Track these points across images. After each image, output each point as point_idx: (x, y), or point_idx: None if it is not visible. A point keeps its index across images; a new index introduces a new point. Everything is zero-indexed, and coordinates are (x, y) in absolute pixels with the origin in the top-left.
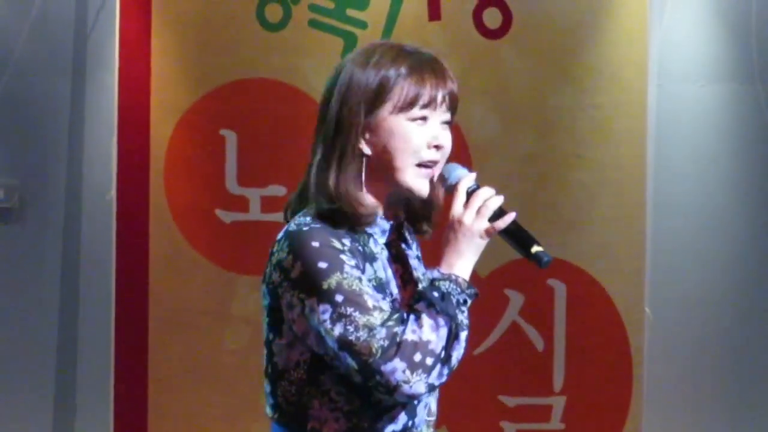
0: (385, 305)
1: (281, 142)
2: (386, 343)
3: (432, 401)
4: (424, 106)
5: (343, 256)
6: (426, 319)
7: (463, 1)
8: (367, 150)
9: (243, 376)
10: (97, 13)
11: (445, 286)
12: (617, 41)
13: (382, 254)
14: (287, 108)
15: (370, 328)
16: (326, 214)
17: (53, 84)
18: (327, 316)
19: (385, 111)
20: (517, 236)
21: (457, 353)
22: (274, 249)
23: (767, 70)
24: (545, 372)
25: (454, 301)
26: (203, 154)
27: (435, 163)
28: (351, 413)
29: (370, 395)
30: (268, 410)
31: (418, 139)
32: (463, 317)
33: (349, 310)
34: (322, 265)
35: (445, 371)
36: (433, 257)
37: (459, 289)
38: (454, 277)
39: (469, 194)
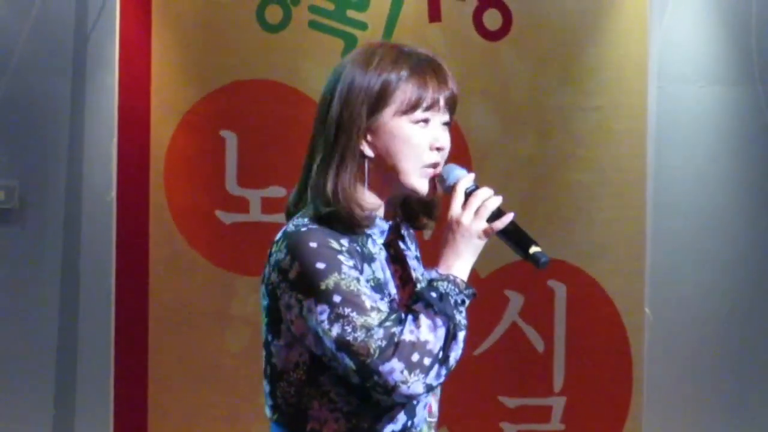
0: (383, 306)
1: (281, 143)
2: (384, 343)
3: (434, 402)
4: (427, 109)
5: (341, 257)
6: (424, 320)
7: (463, 3)
8: (369, 152)
9: (243, 376)
10: (97, 13)
11: (443, 286)
12: (617, 42)
13: (381, 254)
14: (287, 109)
15: (368, 329)
16: (324, 216)
17: (53, 85)
18: (325, 316)
19: (388, 114)
20: (516, 237)
21: (455, 353)
22: (273, 250)
23: (767, 71)
24: (545, 372)
25: (452, 301)
26: (203, 155)
27: (437, 164)
28: (350, 414)
29: (370, 396)
30: (268, 411)
31: (421, 141)
32: (461, 317)
33: (347, 310)
34: (320, 265)
35: (443, 371)
36: (432, 257)
37: (457, 290)
38: (452, 277)
39: (468, 195)
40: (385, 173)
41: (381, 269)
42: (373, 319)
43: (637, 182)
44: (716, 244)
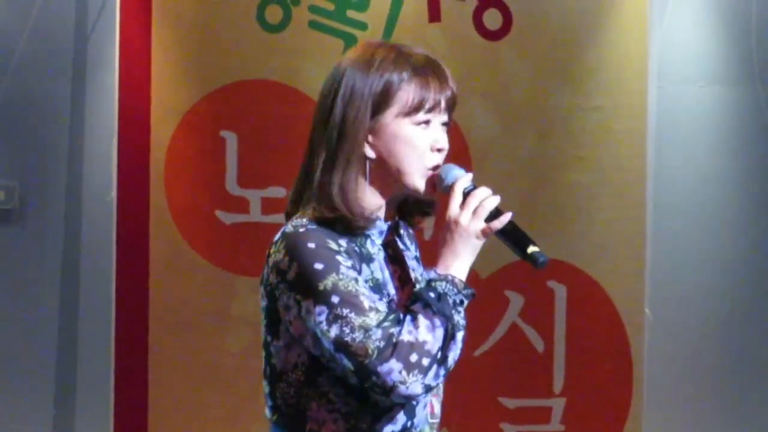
0: (382, 306)
1: (281, 143)
2: (382, 344)
3: (436, 403)
4: (429, 111)
5: (339, 257)
6: (422, 320)
7: (463, 3)
8: (370, 154)
9: (243, 377)
10: (97, 14)
11: (441, 286)
12: (617, 42)
13: (379, 255)
14: (287, 109)
15: (366, 329)
16: (326, 217)
17: (53, 85)
18: (323, 317)
19: (390, 115)
20: (514, 236)
21: (454, 354)
22: (271, 251)
23: (767, 71)
24: (545, 373)
25: (451, 301)
26: (203, 156)
27: (438, 166)
28: (349, 414)
29: (368, 396)
30: (268, 412)
31: (423, 143)
32: (459, 318)
33: (345, 311)
34: (318, 266)
35: (442, 372)
36: (431, 257)
37: (455, 290)
38: (450, 277)
39: (466, 195)
40: (386, 174)
41: (380, 269)
42: (372, 319)
43: (637, 182)
44: (716, 245)
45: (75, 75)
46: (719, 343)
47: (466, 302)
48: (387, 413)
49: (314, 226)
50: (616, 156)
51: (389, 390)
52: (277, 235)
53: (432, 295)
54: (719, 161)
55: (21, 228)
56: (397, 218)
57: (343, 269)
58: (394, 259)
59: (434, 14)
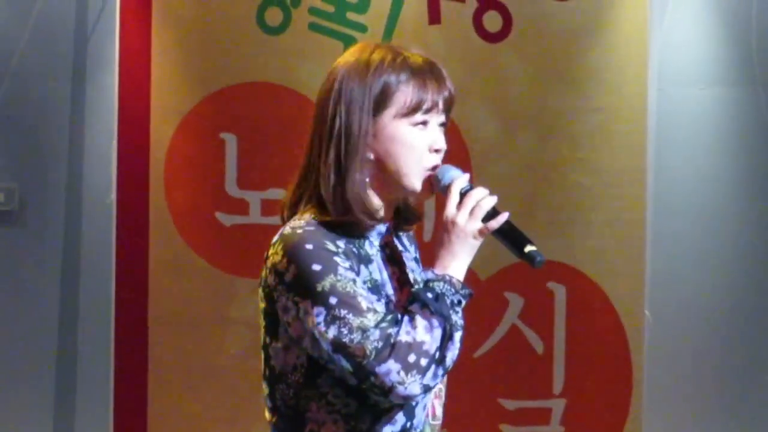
0: (380, 307)
1: (281, 145)
2: (380, 344)
3: (438, 405)
4: (427, 111)
5: (337, 258)
6: (420, 320)
7: (463, 5)
8: (370, 155)
9: (243, 378)
10: (97, 15)
11: (439, 286)
12: (617, 44)
13: (378, 256)
14: (287, 111)
15: (364, 330)
16: (324, 218)
17: (53, 87)
18: (321, 318)
19: (388, 117)
20: (511, 236)
21: (452, 354)
22: (269, 252)
23: (767, 72)
24: (545, 375)
25: (449, 301)
26: (203, 157)
27: (436, 167)
28: (349, 416)
29: (368, 397)
30: (267, 413)
31: (420, 144)
32: (457, 318)
33: (343, 312)
34: (316, 267)
35: (440, 372)
36: (430, 258)
37: (453, 290)
38: (448, 277)
39: (463, 195)
40: (385, 175)
41: (378, 270)
42: (370, 320)
43: (637, 184)
44: (716, 246)
45: (75, 76)
46: (719, 344)
47: (464, 302)
48: (386, 414)
49: (312, 228)
50: (616, 157)
51: (388, 390)
52: (275, 237)
53: (430, 295)
54: (719, 162)
55: (21, 229)
56: (395, 219)
57: (341, 270)
58: (393, 260)
59: (434, 16)
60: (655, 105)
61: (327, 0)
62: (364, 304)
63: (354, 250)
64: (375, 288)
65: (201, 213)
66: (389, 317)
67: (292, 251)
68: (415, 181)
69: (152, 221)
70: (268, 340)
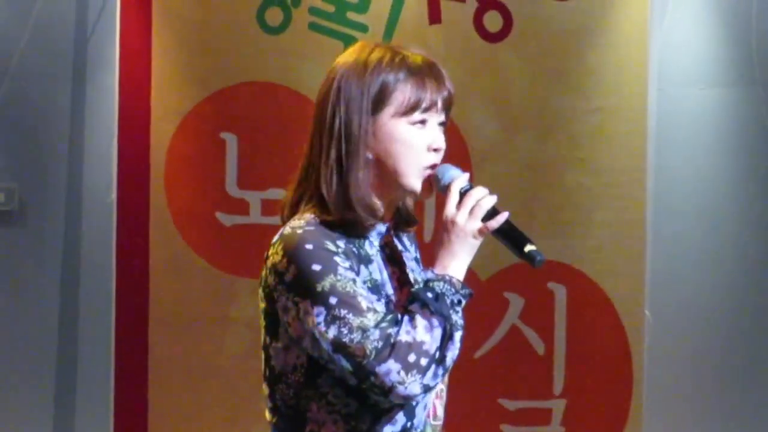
0: (380, 307)
1: (282, 145)
2: (380, 344)
3: (439, 405)
4: (425, 110)
5: (337, 258)
6: (420, 320)
7: (464, 5)
8: (368, 155)
9: (243, 378)
10: (97, 15)
11: (439, 286)
12: (617, 44)
13: (378, 256)
14: (287, 111)
15: (364, 330)
16: (324, 218)
17: (53, 87)
18: (321, 318)
19: (386, 116)
20: (511, 235)
21: (452, 353)
22: (269, 252)
23: (767, 72)
24: (545, 375)
25: (449, 301)
26: (204, 157)
27: (435, 165)
28: (349, 416)
29: (368, 397)
30: (267, 413)
31: (419, 143)
32: (457, 317)
33: (343, 312)
34: (316, 267)
35: (440, 372)
36: (430, 258)
37: (453, 290)
38: (448, 277)
39: (462, 194)
40: (384, 175)
41: (378, 270)
42: (369, 320)
43: (637, 184)
44: (717, 246)
45: (75, 76)
46: (719, 344)
47: (464, 302)
48: (386, 414)
49: (312, 228)
50: (616, 158)
51: (388, 390)
52: (275, 237)
53: (430, 295)
54: (719, 163)
55: (21, 229)
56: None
57: (341, 270)
58: (393, 260)
59: (434, 16)
60: (655, 105)
61: (327, 0)
62: (364, 304)
63: (354, 250)
64: (375, 288)
65: (201, 213)
66: (389, 317)
67: (292, 251)
68: (413, 180)
69: (152, 221)
70: (268, 340)
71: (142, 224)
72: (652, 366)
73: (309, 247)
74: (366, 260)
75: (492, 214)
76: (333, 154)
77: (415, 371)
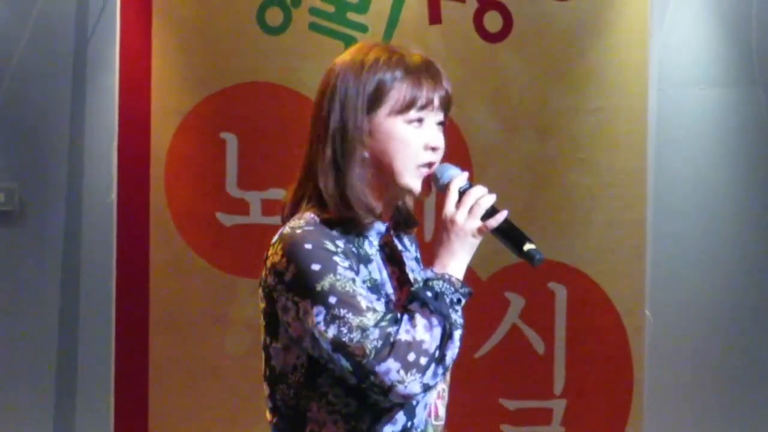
0: (379, 306)
1: (282, 145)
2: (380, 343)
3: (440, 405)
4: (421, 108)
5: (336, 258)
6: (419, 319)
7: (464, 5)
8: (365, 153)
9: (243, 379)
10: (97, 16)
11: (438, 285)
12: (618, 45)
13: (377, 256)
14: (288, 111)
15: (364, 329)
16: (324, 217)
17: (54, 87)
18: (321, 318)
19: (382, 114)
20: (510, 234)
21: (452, 352)
22: (269, 252)
23: (767, 73)
24: (546, 375)
25: (448, 300)
26: (204, 157)
27: (432, 164)
28: (349, 415)
29: (368, 397)
30: (268, 414)
31: (415, 141)
32: (457, 316)
33: (343, 311)
34: (315, 267)
35: (440, 371)
36: (429, 258)
37: (453, 289)
38: (447, 276)
39: (461, 193)
40: (380, 173)
41: (378, 270)
42: (369, 319)
43: (637, 184)
44: (717, 247)
45: (75, 77)
46: (720, 344)
47: (463, 301)
48: (386, 414)
49: (311, 228)
50: (616, 158)
51: (387, 390)
52: (275, 237)
53: (429, 294)
54: (719, 163)
55: (21, 230)
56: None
57: (340, 270)
58: (392, 259)
59: (434, 16)
60: (656, 105)
61: (327, 0)
62: (363, 304)
63: (353, 249)
64: (375, 287)
65: (201, 213)
66: (389, 316)
67: (292, 251)
68: (410, 178)
69: (153, 221)
70: (268, 340)
71: (142, 224)
72: (652, 366)
73: (308, 246)
74: (365, 260)
75: (491, 212)
76: (329, 152)
77: (414, 370)
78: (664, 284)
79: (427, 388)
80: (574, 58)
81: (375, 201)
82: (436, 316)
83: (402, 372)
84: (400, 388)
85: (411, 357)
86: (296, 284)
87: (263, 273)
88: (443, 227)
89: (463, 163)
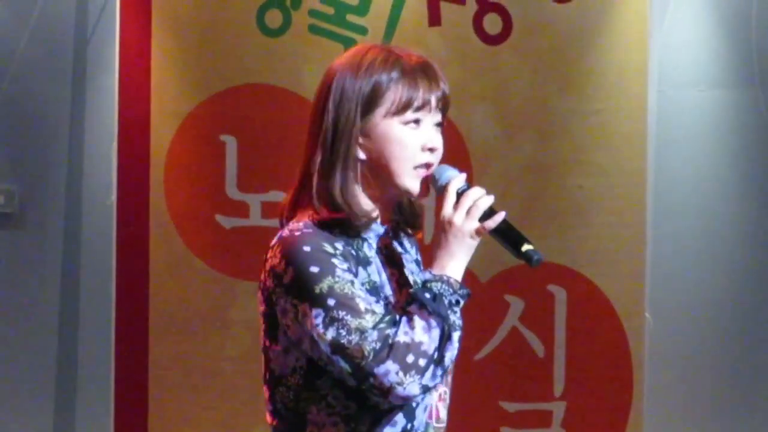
0: (378, 308)
1: (281, 147)
2: (378, 345)
3: (442, 408)
4: (418, 109)
5: (334, 260)
6: (418, 321)
7: (464, 7)
8: (361, 155)
9: (243, 381)
10: (97, 17)
11: (436, 287)
12: (617, 46)
13: (376, 258)
14: (287, 113)
15: (362, 331)
16: (324, 220)
17: (53, 89)
18: (319, 320)
19: (379, 115)
20: (508, 235)
21: (450, 354)
22: (268, 255)
23: (767, 74)
24: (545, 377)
25: (446, 302)
26: (203, 160)
27: (430, 165)
28: (349, 417)
29: (367, 399)
30: (267, 416)
31: (412, 142)
32: (455, 318)
33: (341, 313)
34: (314, 269)
35: (439, 372)
36: (428, 259)
37: (451, 290)
38: (445, 278)
39: (459, 195)
40: (377, 175)
41: (377, 272)
42: (368, 321)
43: (637, 186)
44: (717, 249)
45: (75, 78)
46: (720, 346)
47: (462, 302)
48: (386, 416)
49: (310, 230)
50: (616, 159)
51: (386, 391)
52: (274, 240)
53: (427, 295)
54: (719, 164)
55: (21, 232)
56: (396, 221)
57: (338, 272)
58: (391, 261)
59: (434, 18)
60: (656, 106)
61: (327, 2)
62: (362, 306)
63: (352, 252)
64: (374, 289)
65: (201, 215)
66: (387, 318)
67: (290, 253)
68: (407, 180)
69: (152, 224)
70: (267, 342)
71: (142, 226)
72: (652, 368)
73: (307, 249)
74: (365, 262)
75: (489, 214)
76: (324, 154)
77: (413, 372)
78: (664, 285)
79: (426, 390)
80: (574, 59)
81: (371, 203)
82: (435, 317)
83: (401, 374)
84: (399, 389)
85: (410, 358)
86: (295, 287)
87: (262, 276)
88: (441, 229)
89: (463, 165)
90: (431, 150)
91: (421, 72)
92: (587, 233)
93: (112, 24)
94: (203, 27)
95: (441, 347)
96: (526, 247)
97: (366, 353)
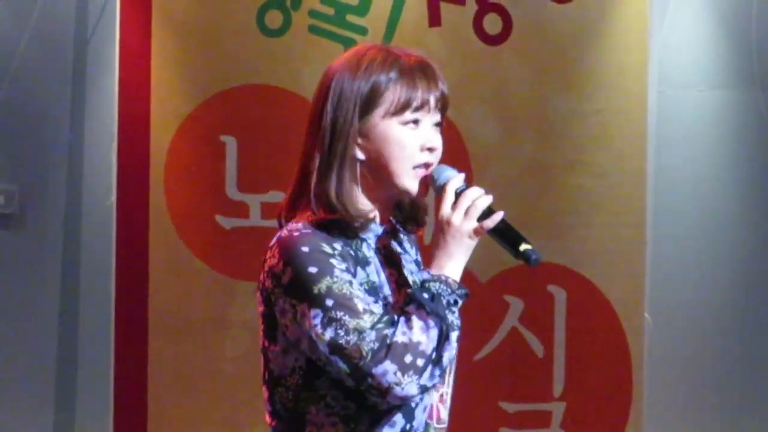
0: (376, 308)
1: (281, 147)
2: (376, 345)
3: (442, 409)
4: (416, 110)
5: (333, 260)
6: (416, 321)
7: (464, 7)
8: (360, 155)
9: (242, 382)
10: (97, 18)
11: (435, 287)
12: (617, 46)
13: (375, 258)
14: (287, 114)
15: (360, 332)
16: (322, 220)
17: (53, 90)
18: (318, 320)
19: (377, 116)
20: (506, 235)
21: (448, 354)
22: (267, 256)
23: (767, 74)
24: (545, 378)
25: (444, 302)
26: (203, 160)
27: (429, 165)
28: (348, 418)
29: (366, 399)
30: (267, 417)
31: (411, 143)
32: (453, 318)
33: (340, 314)
34: (312, 269)
35: (437, 372)
36: (427, 259)
37: (449, 290)
38: (444, 278)
39: (458, 195)
40: (377, 175)
41: (376, 273)
42: (366, 321)
43: (637, 186)
44: (717, 249)
45: (75, 79)
46: (719, 347)
47: (460, 302)
48: (385, 416)
49: (309, 230)
50: (616, 160)
51: (385, 391)
52: (273, 240)
53: (425, 295)
54: (719, 165)
55: (21, 232)
56: (394, 222)
57: (337, 272)
58: (390, 261)
59: (434, 19)
60: (656, 107)
61: (327, 3)
62: (360, 306)
63: (351, 252)
64: (372, 290)
65: (201, 216)
66: (385, 318)
67: (289, 254)
68: (406, 180)
69: (152, 224)
70: (266, 343)
71: (142, 227)
72: (651, 369)
73: (305, 249)
74: (363, 262)
75: (487, 214)
76: (322, 154)
77: (411, 372)
78: (663, 285)
79: (424, 390)
80: (574, 60)
81: (369, 203)
82: (433, 317)
83: (399, 374)
84: (397, 389)
85: (408, 359)
86: (293, 287)
87: (261, 276)
88: (440, 229)
89: (463, 166)
90: (430, 150)
91: (419, 72)
92: (587, 233)
93: (112, 24)
94: (203, 27)
95: (439, 347)
96: (524, 247)
97: (364, 353)
